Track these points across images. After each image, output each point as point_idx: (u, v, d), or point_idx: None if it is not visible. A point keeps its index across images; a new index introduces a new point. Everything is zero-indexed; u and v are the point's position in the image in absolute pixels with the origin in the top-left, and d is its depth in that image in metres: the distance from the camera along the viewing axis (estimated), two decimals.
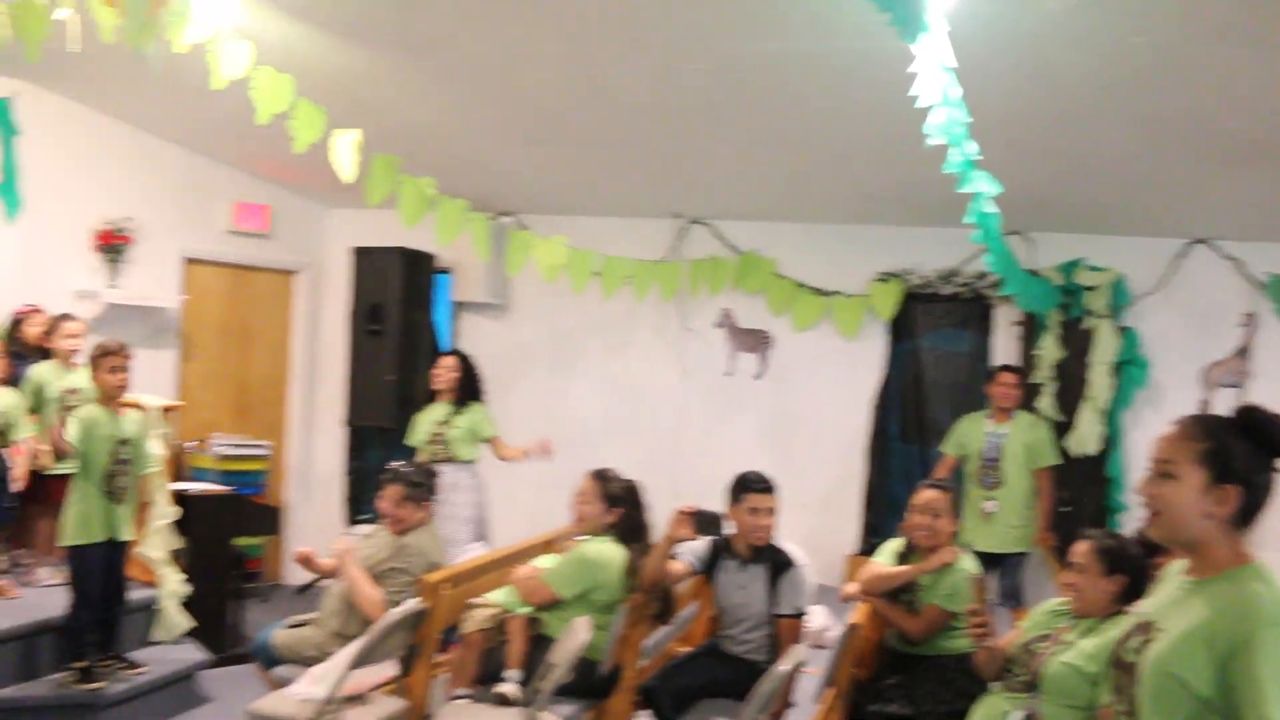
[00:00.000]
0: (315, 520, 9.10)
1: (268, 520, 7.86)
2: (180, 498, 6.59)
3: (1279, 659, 2.04)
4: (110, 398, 5.47)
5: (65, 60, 5.36)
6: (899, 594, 4.67)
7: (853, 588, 4.88)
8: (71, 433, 5.34)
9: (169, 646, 6.19)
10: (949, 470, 6.92)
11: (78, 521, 5.34)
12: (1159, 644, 2.19)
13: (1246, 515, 2.21)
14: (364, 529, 5.98)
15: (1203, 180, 6.40)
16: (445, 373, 7.03)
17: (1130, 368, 7.33)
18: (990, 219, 5.00)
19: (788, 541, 4.91)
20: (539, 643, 4.70)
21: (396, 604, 4.58)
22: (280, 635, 5.04)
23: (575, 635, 4.27)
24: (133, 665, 5.71)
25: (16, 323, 6.60)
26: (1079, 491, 7.28)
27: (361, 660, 4.25)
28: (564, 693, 4.41)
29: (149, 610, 6.21)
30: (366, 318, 8.48)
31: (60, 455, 5.42)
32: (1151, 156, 6.11)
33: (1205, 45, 4.68)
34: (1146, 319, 7.40)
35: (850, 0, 4.29)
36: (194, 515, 6.63)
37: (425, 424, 7.03)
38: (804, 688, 4.81)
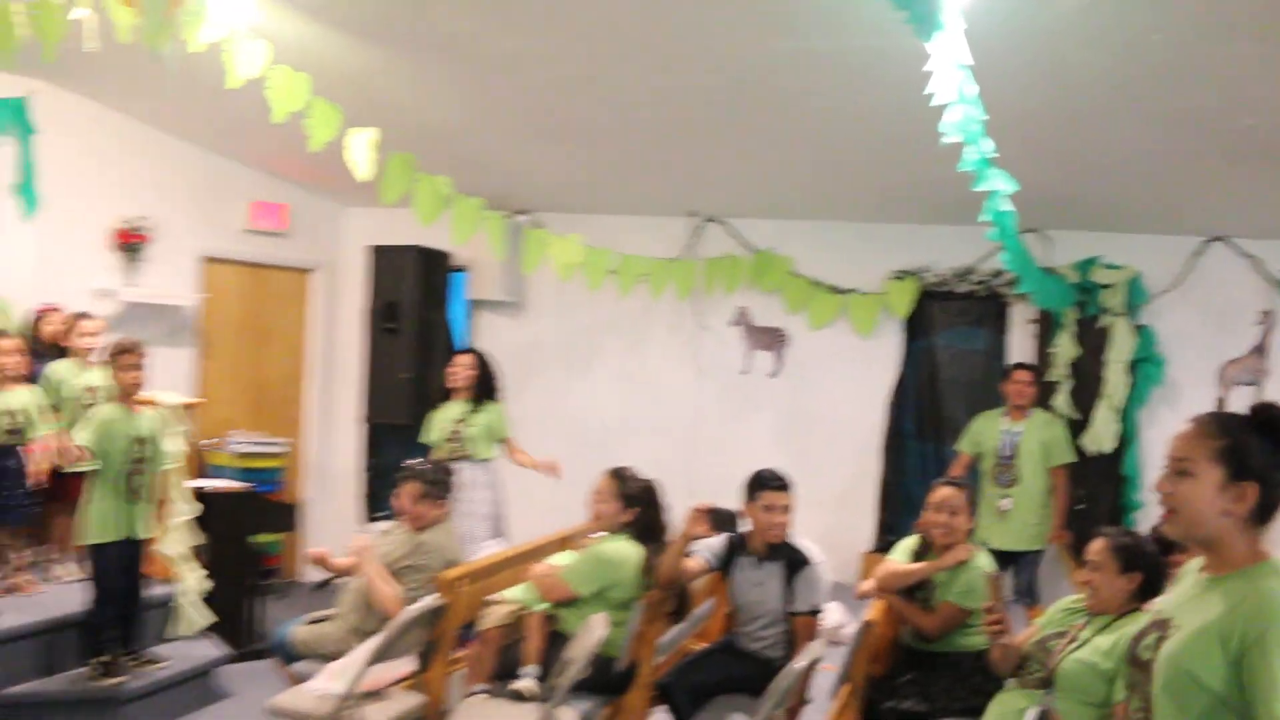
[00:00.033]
0: (332, 517, 9.14)
1: (285, 517, 7.87)
2: (199, 495, 6.62)
3: None
4: (126, 395, 5.49)
5: (82, 60, 5.37)
6: (914, 591, 4.67)
7: (868, 585, 4.89)
8: (84, 435, 5.36)
9: (188, 642, 6.22)
10: (964, 468, 6.91)
11: (96, 520, 5.36)
12: (1173, 640, 2.20)
13: (1263, 512, 2.21)
14: (381, 526, 6.01)
15: (1220, 178, 6.39)
16: (462, 370, 7.03)
17: (1146, 365, 7.33)
18: (1006, 217, 5.00)
19: (804, 539, 4.91)
20: (556, 639, 4.71)
21: (414, 600, 4.59)
22: (299, 631, 5.06)
23: (592, 632, 4.29)
24: (153, 660, 5.74)
25: (35, 321, 6.64)
26: (1094, 489, 7.28)
27: (380, 656, 4.26)
28: (581, 689, 4.42)
29: (168, 606, 6.25)
30: (383, 316, 8.51)
31: (72, 462, 5.44)
32: (1168, 154, 6.10)
33: (1222, 43, 4.67)
34: (1163, 317, 7.41)
35: None
36: (212, 512, 6.64)
37: (442, 422, 7.03)
38: (819, 684, 4.82)
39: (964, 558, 4.57)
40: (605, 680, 4.66)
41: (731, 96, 6.04)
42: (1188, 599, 2.28)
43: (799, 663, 3.99)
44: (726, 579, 4.96)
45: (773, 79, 5.71)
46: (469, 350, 7.28)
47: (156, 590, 6.08)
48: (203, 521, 6.54)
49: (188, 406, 6.79)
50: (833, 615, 5.15)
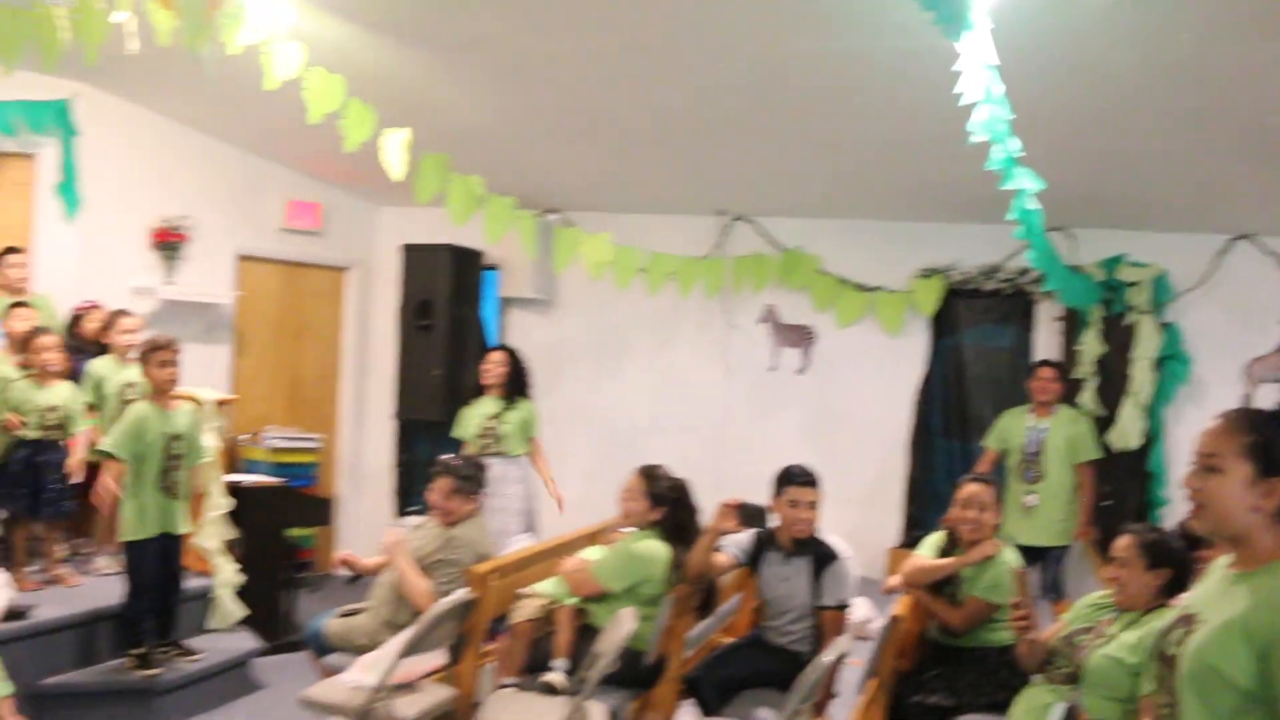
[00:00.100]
0: (365, 512, 9.22)
1: (319, 511, 7.95)
2: (234, 489, 6.69)
3: None
4: (161, 392, 5.53)
5: (123, 62, 5.46)
6: (941, 586, 4.68)
7: (895, 580, 4.90)
8: (113, 439, 5.41)
9: (223, 634, 6.29)
10: (990, 465, 6.90)
11: (134, 517, 5.41)
12: (1198, 635, 2.19)
13: None
14: (413, 520, 6.04)
15: (1245, 176, 6.36)
16: (494, 368, 7.06)
17: (1172, 363, 7.30)
18: (1033, 215, 5.00)
19: (831, 534, 4.92)
20: (585, 633, 4.74)
21: (446, 594, 4.61)
22: (332, 624, 5.08)
23: (621, 626, 4.30)
24: (189, 652, 5.81)
25: (76, 318, 6.74)
26: (1120, 486, 7.25)
27: (411, 649, 4.28)
28: (610, 682, 4.43)
29: (204, 599, 6.33)
30: (416, 313, 8.57)
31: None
32: (1194, 152, 6.08)
33: (1248, 41, 4.66)
34: (1188, 314, 7.37)
35: None
36: (247, 506, 6.72)
37: (474, 418, 7.06)
38: (847, 678, 4.85)
39: (991, 553, 4.58)
40: (634, 674, 4.68)
41: (760, 96, 6.05)
42: (1214, 594, 2.27)
43: (826, 657, 4.01)
44: (755, 574, 4.98)
45: (801, 79, 5.72)
46: (501, 348, 7.31)
47: (192, 583, 6.14)
48: (237, 516, 6.61)
49: (223, 403, 6.86)
50: (860, 610, 5.16)
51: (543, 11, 5.28)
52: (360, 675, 4.42)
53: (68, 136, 7.21)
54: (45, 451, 5.94)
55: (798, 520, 4.76)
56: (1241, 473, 2.20)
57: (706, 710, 4.62)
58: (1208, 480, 2.25)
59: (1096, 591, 3.93)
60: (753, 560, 4.92)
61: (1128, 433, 7.25)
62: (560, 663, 4.62)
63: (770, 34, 5.17)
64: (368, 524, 9.05)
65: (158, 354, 5.47)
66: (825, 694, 4.66)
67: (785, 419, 8.35)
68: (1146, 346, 7.23)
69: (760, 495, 4.85)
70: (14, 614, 5.33)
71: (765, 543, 4.89)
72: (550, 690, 4.49)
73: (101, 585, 6.06)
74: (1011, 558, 4.61)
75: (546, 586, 4.94)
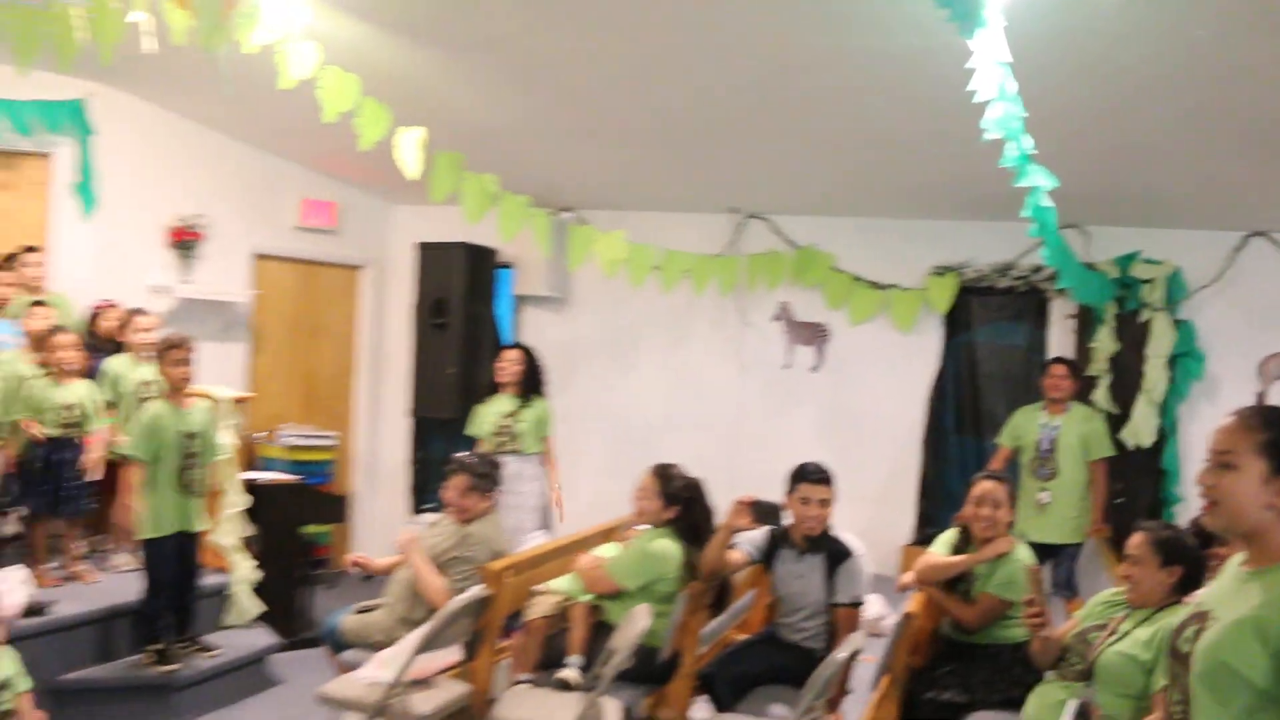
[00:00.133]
0: (380, 509, 9.26)
1: (335, 508, 7.97)
2: (250, 486, 6.73)
3: None
4: (176, 390, 5.58)
5: (139, 62, 5.49)
6: (955, 583, 4.69)
7: (909, 577, 4.90)
8: (131, 441, 5.46)
9: (240, 631, 6.33)
10: (1004, 462, 6.90)
11: (151, 515, 5.46)
12: (1211, 632, 2.19)
13: None
14: (428, 518, 6.06)
15: (1260, 173, 6.34)
16: (509, 366, 7.08)
17: (1186, 360, 7.29)
18: (1046, 213, 4.99)
19: (845, 531, 4.92)
20: (600, 629, 4.75)
21: (461, 591, 4.63)
22: (348, 620, 5.11)
23: (635, 622, 4.31)
24: (206, 648, 5.85)
25: (93, 317, 6.78)
26: (1134, 483, 7.25)
27: (427, 645, 4.31)
28: (624, 678, 4.44)
29: (221, 596, 6.36)
30: (431, 311, 8.60)
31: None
32: (1208, 149, 6.07)
33: (1264, 37, 4.64)
34: (1203, 312, 7.36)
35: None
36: (264, 503, 6.76)
37: (489, 416, 7.08)
38: (860, 675, 4.85)
39: (1004, 550, 4.58)
40: (648, 670, 4.69)
41: (774, 94, 6.05)
42: (1227, 591, 2.27)
43: (840, 654, 4.03)
44: (769, 571, 4.98)
45: (815, 77, 5.72)
46: (516, 346, 7.33)
47: (210, 580, 6.18)
48: (254, 513, 6.65)
49: (240, 400, 6.89)
50: (873, 607, 5.15)
51: (557, 11, 5.28)
52: (376, 671, 4.44)
53: (84, 136, 7.24)
54: (64, 449, 5.97)
55: (808, 517, 4.77)
56: (1256, 470, 2.20)
57: (720, 706, 4.62)
58: (1222, 477, 2.25)
59: (1109, 589, 3.93)
60: (766, 557, 4.92)
61: (1141, 430, 7.24)
62: (575, 659, 4.63)
63: (784, 32, 5.17)
64: (383, 521, 9.09)
65: (173, 352, 5.51)
66: (839, 690, 4.67)
67: (799, 416, 8.36)
68: (1160, 344, 7.22)
69: (774, 492, 4.85)
70: (34, 610, 5.36)
71: (779, 540, 4.89)
72: (565, 686, 4.50)
73: (120, 582, 6.10)
74: (1025, 555, 4.61)
75: (561, 583, 4.96)
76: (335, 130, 5.45)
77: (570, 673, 4.56)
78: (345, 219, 8.99)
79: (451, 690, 4.54)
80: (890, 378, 8.17)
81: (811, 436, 8.13)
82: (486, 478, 5.21)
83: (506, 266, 8.93)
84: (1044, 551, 6.09)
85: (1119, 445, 7.08)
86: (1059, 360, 6.95)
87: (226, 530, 6.47)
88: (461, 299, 8.52)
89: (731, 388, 8.52)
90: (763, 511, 4.69)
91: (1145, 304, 7.30)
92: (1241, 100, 5.34)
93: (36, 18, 5.41)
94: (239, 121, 7.83)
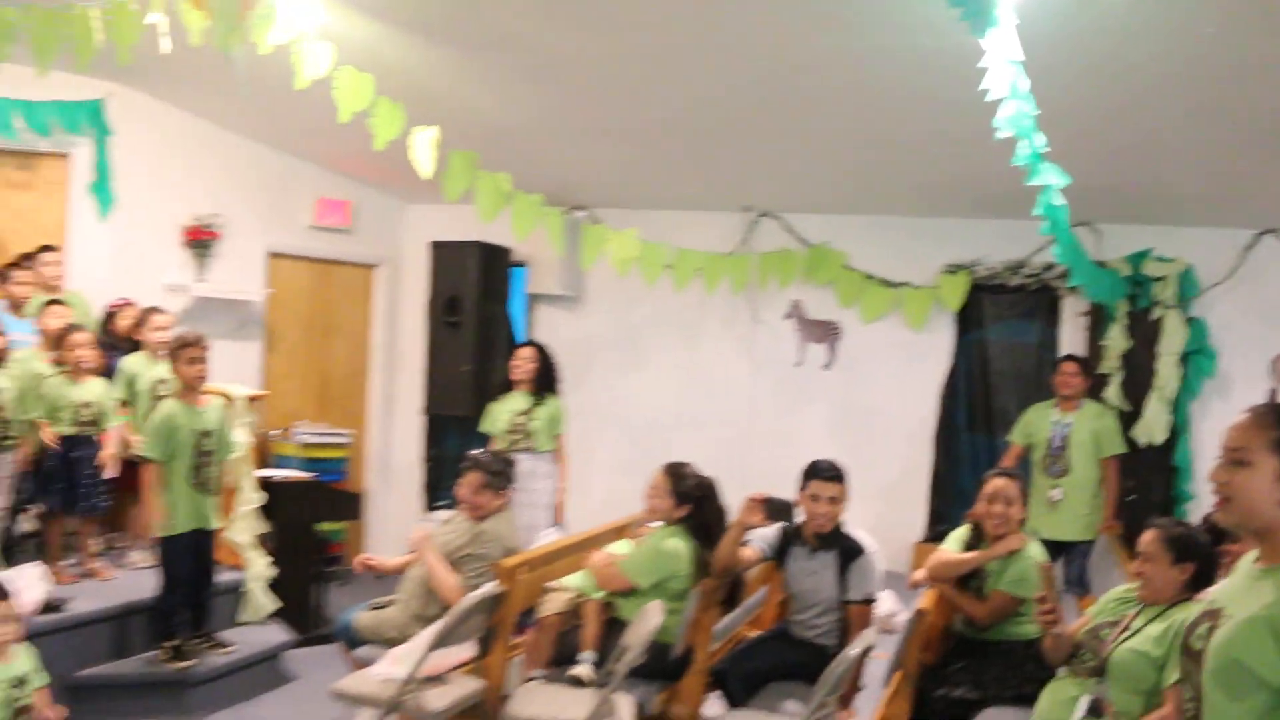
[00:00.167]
0: (394, 506, 9.29)
1: (349, 506, 7.99)
2: (265, 484, 6.77)
3: None
4: (190, 389, 5.60)
5: (156, 63, 5.53)
6: (967, 580, 4.70)
7: (921, 574, 4.90)
8: (147, 443, 5.49)
9: (255, 627, 6.36)
10: (1015, 459, 6.91)
11: (167, 514, 5.50)
12: (1223, 629, 2.19)
13: None
14: (442, 515, 6.08)
15: (1272, 170, 6.33)
16: (523, 363, 7.11)
17: (1198, 358, 7.29)
18: (1058, 211, 4.99)
19: (857, 528, 4.92)
20: (612, 626, 4.77)
21: (474, 588, 4.64)
22: (362, 617, 5.13)
23: (648, 619, 4.33)
24: (221, 645, 5.88)
25: (109, 316, 6.82)
26: (1146, 480, 7.25)
27: (441, 642, 4.32)
28: (637, 674, 4.45)
29: (236, 592, 6.40)
30: (444, 310, 8.61)
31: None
32: (1220, 147, 6.06)
33: (1273, 35, 4.63)
34: (1214, 309, 7.36)
35: None
36: (278, 501, 6.80)
37: (503, 413, 7.11)
38: (872, 671, 4.86)
39: (1016, 547, 4.59)
40: (661, 666, 4.69)
41: (786, 93, 6.06)
42: (1240, 589, 2.27)
43: (852, 650, 4.03)
44: (781, 568, 4.98)
45: (827, 75, 5.72)
46: (531, 343, 7.35)
47: (225, 577, 6.22)
48: (269, 510, 6.69)
49: (255, 398, 6.92)
50: (885, 604, 5.16)
51: (569, 10, 5.30)
52: (390, 668, 4.46)
53: (101, 136, 7.30)
54: (80, 447, 6.02)
55: (818, 514, 4.76)
56: (1269, 467, 2.20)
57: (733, 702, 4.63)
58: (1235, 474, 2.24)
59: (1122, 585, 3.92)
60: (779, 554, 4.92)
61: (1153, 427, 7.24)
62: (587, 655, 4.65)
63: (797, 31, 5.18)
64: (397, 518, 9.12)
65: (186, 351, 5.53)
66: (851, 687, 4.67)
67: (811, 414, 8.36)
68: (1172, 341, 7.22)
69: (786, 490, 4.85)
70: (50, 607, 5.41)
71: (791, 537, 4.89)
72: (578, 683, 4.51)
73: (136, 579, 6.14)
74: (1037, 552, 4.61)
75: (574, 580, 4.97)
76: (350, 130, 5.47)
77: (583, 669, 4.58)
78: (360, 218, 9.02)
79: (465, 686, 4.55)
80: (902, 375, 8.17)
81: (823, 434, 8.14)
82: (500, 475, 5.22)
83: (520, 265, 8.95)
84: (1056, 548, 6.09)
85: (1131, 443, 7.09)
86: (1070, 358, 6.97)
87: (242, 527, 6.50)
88: (475, 297, 8.53)
89: (744, 385, 8.53)
90: (775, 509, 4.68)
91: (1157, 301, 7.30)
92: (1252, 97, 5.34)
93: (55, 19, 5.45)
94: (255, 121, 7.86)
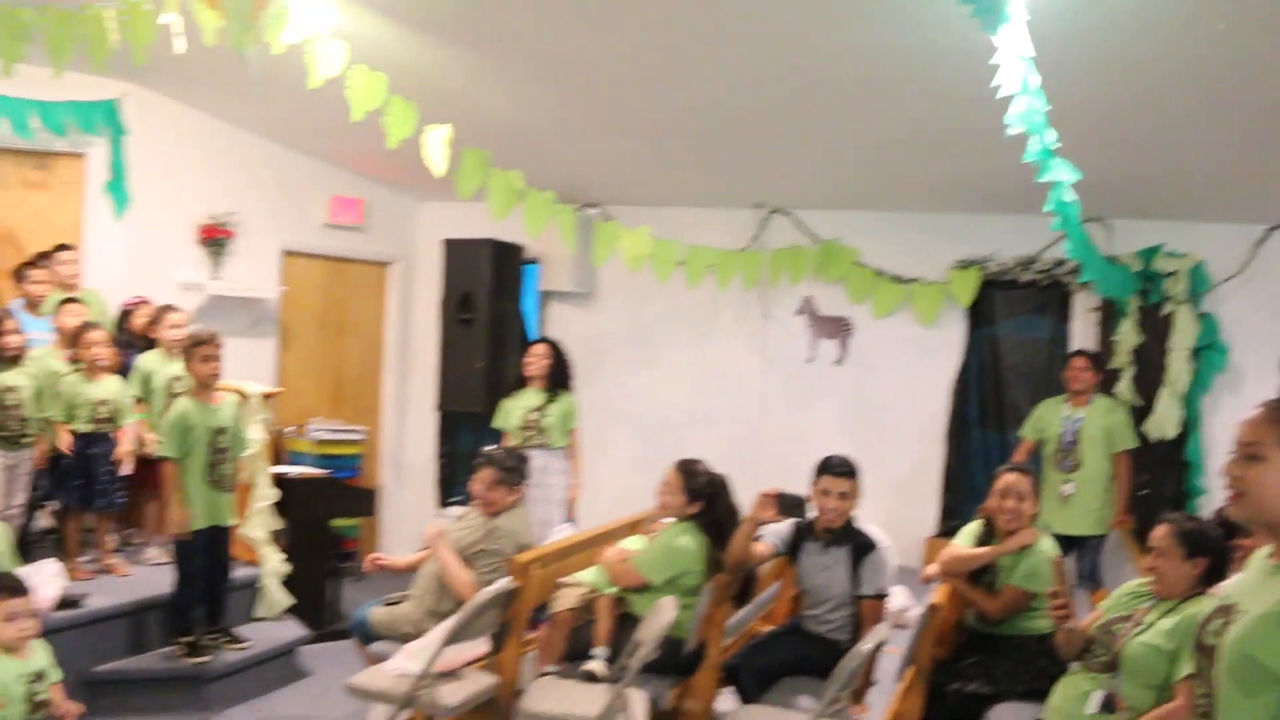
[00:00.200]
0: (408, 502, 9.33)
1: (363, 502, 8.03)
2: (280, 481, 6.80)
3: None
4: (204, 387, 5.63)
5: (170, 63, 5.55)
6: (979, 575, 4.70)
7: (933, 569, 4.91)
8: (164, 443, 5.54)
9: (271, 623, 6.41)
10: (1027, 454, 6.92)
11: (185, 512, 5.53)
12: (1237, 626, 2.18)
13: None
14: (455, 511, 6.10)
15: None
16: (537, 360, 7.12)
17: (1209, 353, 7.28)
18: (1069, 207, 5.00)
19: (869, 524, 4.93)
20: (625, 621, 4.78)
21: (488, 584, 4.66)
22: (377, 612, 5.15)
23: (661, 614, 4.34)
24: (237, 640, 5.92)
25: (125, 314, 6.86)
26: (1157, 475, 7.25)
27: (455, 637, 4.34)
28: (650, 670, 4.45)
29: (252, 588, 6.44)
30: (457, 307, 8.62)
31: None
32: (1231, 143, 6.05)
33: None
34: (1226, 304, 7.34)
35: None
36: (293, 497, 6.83)
37: (517, 410, 7.12)
38: (885, 666, 4.88)
39: (1029, 542, 4.59)
40: (674, 661, 4.70)
41: (797, 90, 6.07)
42: (1253, 584, 2.26)
43: (865, 645, 4.05)
44: (794, 563, 4.99)
45: (838, 72, 5.74)
46: (544, 340, 7.37)
47: (240, 573, 6.25)
48: (283, 507, 6.72)
49: (269, 396, 6.96)
50: (898, 599, 5.18)
51: (581, 8, 5.32)
52: (405, 663, 4.48)
53: (116, 136, 7.34)
54: (97, 444, 6.06)
55: (827, 509, 4.78)
56: None
57: (746, 698, 4.65)
58: (1248, 469, 2.24)
59: (1134, 580, 3.92)
60: (791, 549, 4.94)
61: (1164, 422, 7.23)
62: (600, 651, 4.66)
63: (807, 27, 5.19)
64: (411, 514, 9.16)
65: (200, 349, 5.55)
66: (864, 682, 4.70)
67: (823, 410, 8.37)
68: (1183, 336, 7.21)
69: (798, 485, 4.87)
70: (67, 603, 5.45)
71: (804, 532, 4.90)
72: (591, 678, 4.52)
73: (151, 575, 6.18)
74: (1049, 547, 4.61)
75: (587, 576, 4.98)
76: (363, 128, 5.49)
77: (596, 665, 4.58)
78: (373, 216, 9.05)
79: (479, 682, 4.57)
80: (913, 371, 8.17)
81: (835, 430, 8.15)
82: (514, 471, 5.23)
83: (532, 262, 8.97)
84: (1067, 543, 6.08)
85: (1142, 437, 7.08)
86: (1079, 353, 6.98)
87: (256, 524, 6.54)
88: (488, 294, 8.54)
89: (755, 382, 8.54)
90: (787, 504, 4.70)
91: (1168, 297, 7.29)
92: (1264, 93, 5.33)
93: (70, 20, 5.49)
94: (269, 120, 7.90)
